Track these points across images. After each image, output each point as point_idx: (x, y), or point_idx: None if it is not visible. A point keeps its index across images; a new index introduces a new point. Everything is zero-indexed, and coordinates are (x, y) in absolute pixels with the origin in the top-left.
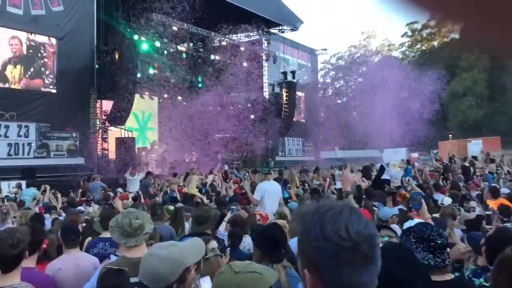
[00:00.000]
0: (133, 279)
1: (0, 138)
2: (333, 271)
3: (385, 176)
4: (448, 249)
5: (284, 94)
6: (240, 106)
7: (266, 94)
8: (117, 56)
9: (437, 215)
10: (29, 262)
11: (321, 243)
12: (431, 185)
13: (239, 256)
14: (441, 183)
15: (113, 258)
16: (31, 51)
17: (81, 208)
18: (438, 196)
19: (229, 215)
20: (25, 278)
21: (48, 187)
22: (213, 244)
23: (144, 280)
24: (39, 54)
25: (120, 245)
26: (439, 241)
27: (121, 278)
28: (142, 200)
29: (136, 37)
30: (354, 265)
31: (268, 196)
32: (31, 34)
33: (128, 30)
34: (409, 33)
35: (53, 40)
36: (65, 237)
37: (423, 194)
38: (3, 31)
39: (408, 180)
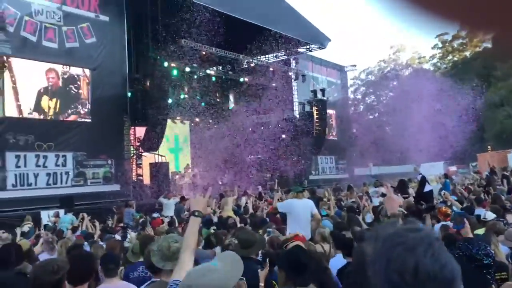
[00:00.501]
0: None
1: (39, 168)
2: None
3: (428, 188)
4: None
5: (315, 113)
6: (271, 126)
7: (296, 113)
8: (148, 83)
9: (481, 230)
10: None
11: (381, 281)
12: (472, 198)
13: (275, 278)
14: (483, 197)
15: (150, 282)
16: (66, 83)
17: (116, 235)
18: (480, 211)
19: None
20: None
21: (85, 215)
22: None
23: None
24: (75, 85)
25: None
26: (485, 261)
27: None
28: (177, 225)
29: (166, 63)
30: None
31: (298, 211)
32: (65, 67)
33: (158, 57)
34: (440, 45)
35: (87, 71)
36: (105, 265)
37: (462, 211)
38: (39, 64)
39: (444, 194)
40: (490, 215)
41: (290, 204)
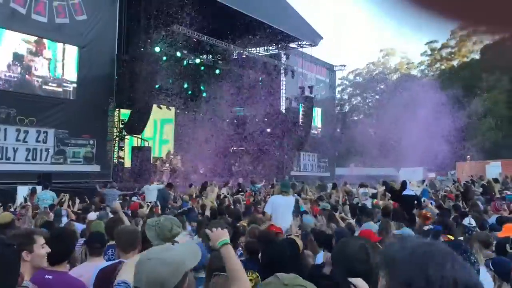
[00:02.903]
0: None
1: (19, 143)
2: None
3: (409, 192)
4: None
5: (301, 109)
6: (256, 119)
7: (283, 109)
8: (136, 66)
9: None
10: (61, 267)
11: (424, 284)
12: (450, 206)
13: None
14: (461, 205)
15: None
16: (53, 58)
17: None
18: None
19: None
20: (59, 282)
21: (67, 197)
22: None
23: (142, 285)
24: (61, 61)
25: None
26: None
27: None
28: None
29: (156, 48)
30: None
31: (280, 210)
32: (54, 42)
33: (149, 40)
34: (429, 52)
35: (75, 48)
36: (90, 244)
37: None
38: (28, 37)
39: (424, 201)
40: (467, 220)
41: (271, 202)
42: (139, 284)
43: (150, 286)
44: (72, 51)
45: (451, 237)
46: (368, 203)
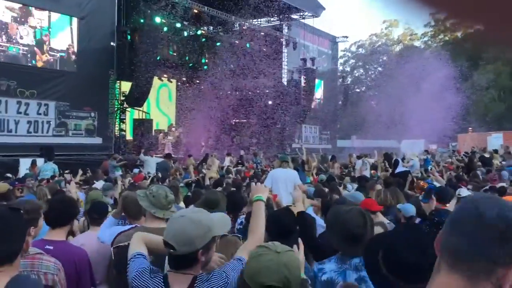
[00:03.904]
0: None
1: (20, 116)
2: (450, 237)
3: (401, 169)
4: None
5: (303, 81)
6: (258, 91)
7: (284, 81)
8: (137, 37)
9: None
10: (59, 235)
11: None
12: (452, 176)
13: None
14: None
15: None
16: (52, 29)
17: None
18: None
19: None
20: (60, 251)
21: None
22: None
23: (171, 240)
24: (60, 33)
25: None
26: None
27: None
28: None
29: (157, 18)
30: (473, 234)
31: (280, 183)
32: (52, 13)
33: (149, 11)
34: (432, 23)
35: (75, 19)
36: (90, 214)
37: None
38: (26, 8)
39: (431, 170)
40: (465, 192)
41: (271, 176)
42: (168, 238)
43: (178, 242)
44: (66, 22)
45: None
46: (367, 173)
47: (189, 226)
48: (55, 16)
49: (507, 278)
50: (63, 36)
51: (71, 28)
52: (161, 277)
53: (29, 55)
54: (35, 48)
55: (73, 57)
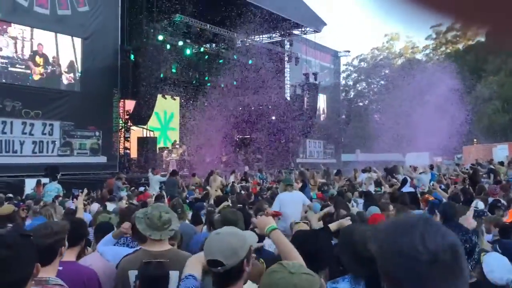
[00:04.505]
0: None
1: (25, 136)
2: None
3: (408, 189)
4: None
5: (306, 96)
6: (261, 107)
7: (287, 96)
8: (140, 56)
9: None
10: (69, 256)
11: (397, 259)
12: (458, 189)
13: (266, 256)
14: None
15: (130, 250)
16: (57, 50)
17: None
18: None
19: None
20: (69, 271)
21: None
22: None
23: (219, 256)
24: (65, 54)
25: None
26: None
27: (164, 269)
28: (166, 200)
29: (160, 37)
30: (437, 279)
31: (289, 207)
32: (57, 34)
33: (152, 30)
34: (433, 36)
35: (78, 40)
36: (96, 234)
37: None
38: (30, 30)
39: (433, 185)
40: (481, 205)
41: (279, 200)
42: (213, 256)
43: (225, 255)
44: (70, 42)
45: None
46: (371, 188)
47: (230, 238)
48: (59, 36)
49: None
50: (67, 55)
51: (74, 48)
52: None
53: (27, 71)
54: (30, 63)
55: (77, 76)
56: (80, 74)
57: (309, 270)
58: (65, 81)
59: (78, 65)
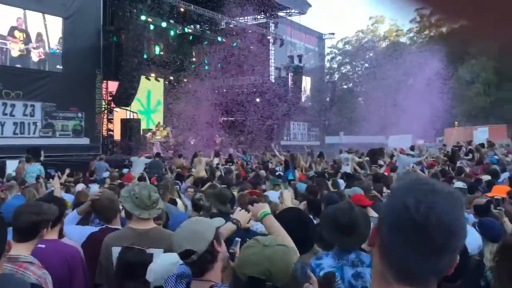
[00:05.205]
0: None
1: (6, 117)
2: (393, 249)
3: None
4: None
5: (290, 78)
6: (245, 89)
7: (272, 78)
8: (123, 37)
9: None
10: (52, 234)
11: (387, 216)
12: (437, 170)
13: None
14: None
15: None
16: (37, 29)
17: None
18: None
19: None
20: (52, 249)
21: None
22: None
23: (188, 244)
24: (46, 33)
25: None
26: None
27: (143, 257)
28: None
29: (143, 17)
30: (414, 245)
31: None
32: (37, 13)
33: (135, 10)
34: (418, 19)
35: (60, 20)
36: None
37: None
38: (10, 9)
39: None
40: (458, 184)
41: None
42: (183, 247)
43: (193, 242)
44: (55, 22)
45: None
46: (347, 169)
47: (194, 225)
48: (40, 16)
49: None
50: (48, 35)
51: (56, 27)
52: (185, 283)
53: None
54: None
55: (59, 57)
56: (61, 54)
57: (284, 243)
58: (35, 58)
59: (60, 45)
